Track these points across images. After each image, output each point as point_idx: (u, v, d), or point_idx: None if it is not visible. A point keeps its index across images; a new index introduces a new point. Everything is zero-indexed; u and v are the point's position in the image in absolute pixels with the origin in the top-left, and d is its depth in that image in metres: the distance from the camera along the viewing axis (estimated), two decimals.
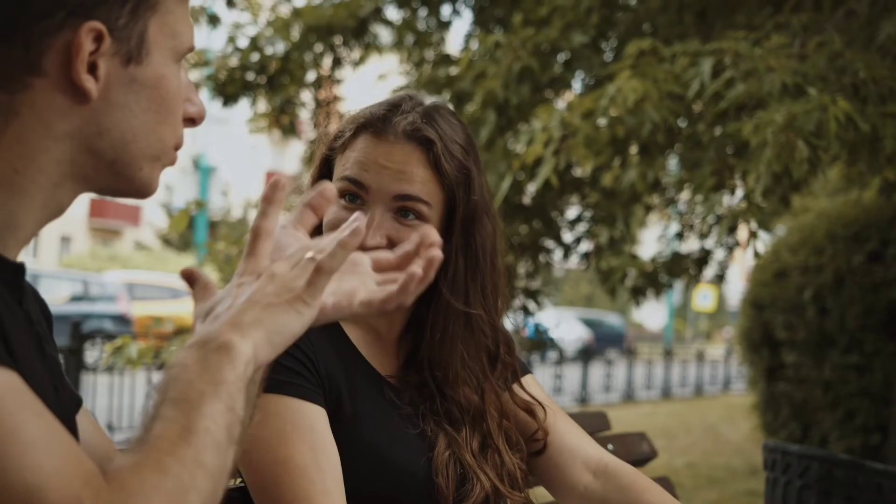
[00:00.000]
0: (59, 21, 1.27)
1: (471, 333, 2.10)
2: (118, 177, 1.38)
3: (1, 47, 1.28)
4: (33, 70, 1.28)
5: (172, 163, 1.44)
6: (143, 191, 1.42)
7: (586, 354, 20.02)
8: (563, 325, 26.41)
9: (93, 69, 1.30)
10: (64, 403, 1.42)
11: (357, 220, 1.33)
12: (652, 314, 51.40)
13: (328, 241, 1.36)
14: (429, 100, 2.15)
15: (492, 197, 2.21)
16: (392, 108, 2.10)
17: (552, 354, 15.96)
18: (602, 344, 32.90)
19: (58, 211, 1.38)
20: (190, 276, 1.40)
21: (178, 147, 1.43)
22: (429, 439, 2.05)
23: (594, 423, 3.30)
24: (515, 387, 2.24)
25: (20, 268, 1.37)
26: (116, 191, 1.42)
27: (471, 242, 2.08)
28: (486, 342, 2.13)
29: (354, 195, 2.05)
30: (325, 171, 2.14)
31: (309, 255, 1.33)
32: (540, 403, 2.24)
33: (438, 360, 2.08)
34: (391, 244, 2.00)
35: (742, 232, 5.77)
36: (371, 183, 2.03)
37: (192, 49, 1.42)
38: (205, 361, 1.23)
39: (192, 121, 1.46)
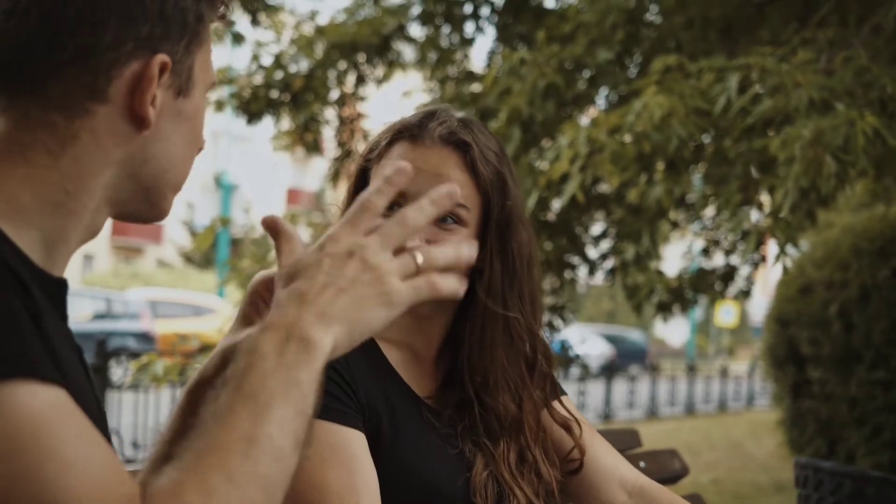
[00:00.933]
0: (128, 51, 1.32)
1: (510, 339, 2.09)
2: (145, 203, 1.42)
3: (70, 73, 1.31)
4: (98, 97, 1.32)
5: (181, 190, 1.48)
6: (160, 217, 1.46)
7: (609, 371, 19.95)
8: (587, 342, 26.38)
9: (152, 100, 1.34)
10: (105, 419, 1.43)
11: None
12: (674, 330, 51.23)
13: (437, 250, 1.35)
14: (461, 113, 2.17)
15: (525, 207, 2.22)
16: (427, 115, 2.12)
17: (575, 371, 15.91)
18: (624, 360, 32.79)
19: (95, 232, 1.42)
20: (273, 226, 1.40)
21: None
22: (467, 459, 2.05)
23: (625, 441, 3.29)
24: (554, 403, 2.23)
25: (64, 284, 1.39)
26: (137, 216, 1.45)
27: (507, 247, 2.08)
28: (524, 348, 2.12)
29: (392, 203, 2.05)
30: (360, 183, 2.14)
31: (413, 245, 1.32)
32: (577, 420, 2.24)
33: (478, 366, 2.08)
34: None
35: (769, 247, 5.76)
36: (409, 189, 2.03)
37: (215, 84, 1.48)
38: (283, 355, 1.21)
39: (198, 150, 1.49)
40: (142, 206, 1.42)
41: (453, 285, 1.32)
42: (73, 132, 1.32)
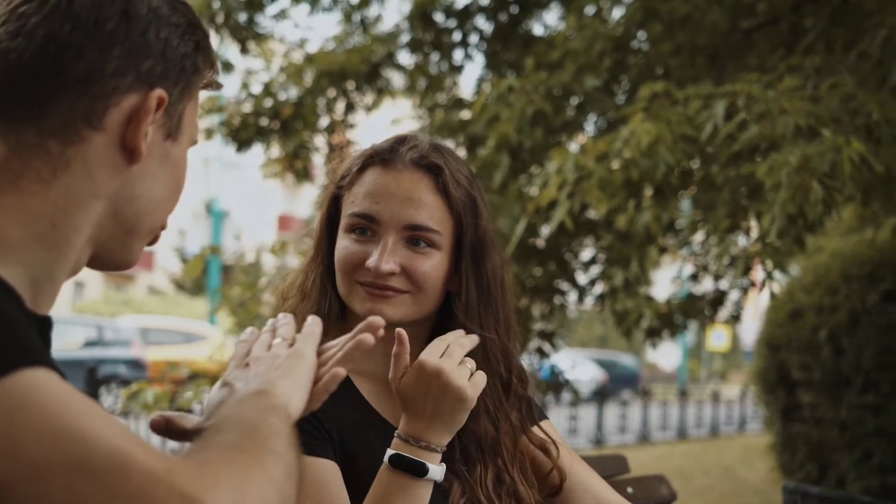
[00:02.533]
0: (128, 82, 1.35)
1: (486, 360, 2.09)
2: (123, 246, 1.44)
3: (70, 96, 1.33)
4: (94, 124, 1.34)
5: (154, 242, 1.51)
6: (129, 264, 1.50)
7: (601, 396, 19.94)
8: (578, 367, 26.36)
9: (144, 135, 1.37)
10: None
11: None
12: (666, 354, 51.18)
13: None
14: (431, 138, 2.20)
15: (496, 231, 2.23)
16: (398, 141, 2.14)
17: (567, 396, 15.90)
18: (616, 385, 32.81)
19: (76, 271, 1.43)
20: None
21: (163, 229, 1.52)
22: (442, 488, 2.04)
23: (613, 466, 3.30)
24: (533, 426, 2.24)
25: (48, 322, 1.39)
26: (110, 260, 1.46)
27: (481, 269, 2.10)
28: (500, 369, 2.13)
29: (365, 228, 2.07)
30: (333, 210, 2.16)
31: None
32: (555, 443, 2.24)
33: None
34: (404, 272, 2.04)
35: (757, 273, 5.77)
36: (382, 213, 2.06)
37: (196, 143, 1.52)
38: (264, 415, 1.37)
39: (174, 205, 1.52)
40: (118, 248, 1.43)
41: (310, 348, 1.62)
42: (66, 160, 1.33)
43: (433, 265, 2.07)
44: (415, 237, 2.06)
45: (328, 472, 1.93)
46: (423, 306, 2.08)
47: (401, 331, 1.81)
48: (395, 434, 1.85)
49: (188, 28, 1.42)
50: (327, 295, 2.13)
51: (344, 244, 2.08)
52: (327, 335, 2.10)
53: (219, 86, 1.52)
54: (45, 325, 1.38)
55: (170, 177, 1.44)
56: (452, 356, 1.88)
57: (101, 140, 1.35)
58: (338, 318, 2.12)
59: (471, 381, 1.87)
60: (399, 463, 1.82)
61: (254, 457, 1.23)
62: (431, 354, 1.89)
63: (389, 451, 1.83)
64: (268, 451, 1.25)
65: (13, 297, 1.21)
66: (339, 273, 2.10)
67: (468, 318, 2.09)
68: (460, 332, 1.96)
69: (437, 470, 1.85)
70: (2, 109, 1.34)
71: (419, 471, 1.83)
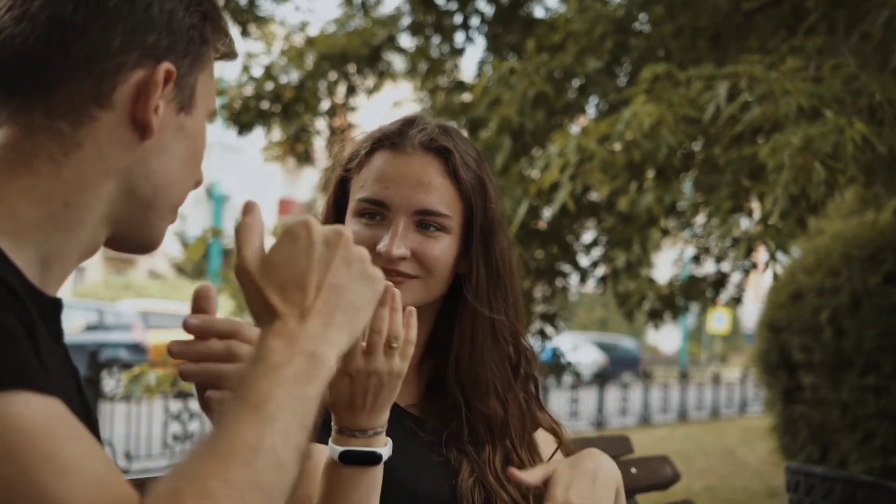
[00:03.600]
0: (134, 58, 1.34)
1: (495, 341, 2.10)
2: (144, 224, 1.42)
3: (76, 78, 1.32)
4: (102, 103, 1.33)
5: (174, 220, 1.48)
6: (155, 244, 1.47)
7: (602, 378, 19.95)
8: (579, 350, 26.38)
9: (154, 109, 1.35)
10: (99, 438, 1.43)
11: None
12: (666, 337, 51.18)
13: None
14: (438, 120, 2.19)
15: (503, 213, 2.23)
16: (406, 123, 2.13)
17: (568, 379, 15.93)
18: (617, 367, 32.77)
19: (91, 252, 1.41)
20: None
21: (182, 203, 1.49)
22: (452, 467, 2.05)
23: (616, 447, 3.30)
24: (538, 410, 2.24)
25: (58, 303, 1.39)
26: (132, 239, 1.45)
27: (490, 251, 2.10)
28: (509, 350, 2.14)
29: (374, 213, 2.07)
30: (340, 193, 2.15)
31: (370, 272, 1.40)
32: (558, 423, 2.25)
33: (467, 369, 2.08)
34: (415, 256, 2.04)
35: (759, 254, 5.77)
36: (392, 198, 2.05)
37: (215, 113, 1.51)
38: (293, 368, 1.22)
39: (197, 182, 1.49)
40: (139, 227, 1.42)
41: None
42: (77, 140, 1.33)
43: (443, 249, 2.07)
44: (425, 221, 2.05)
45: (319, 454, 1.90)
46: (433, 290, 2.08)
47: (411, 309, 1.79)
48: (338, 430, 1.79)
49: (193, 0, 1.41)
50: None
51: (353, 229, 2.06)
52: None
53: (234, 55, 1.51)
54: (54, 306, 1.38)
55: (185, 150, 1.43)
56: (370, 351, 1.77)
57: (111, 118, 1.34)
58: None
59: (399, 361, 1.77)
60: (353, 458, 1.77)
61: (228, 468, 1.12)
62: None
63: (338, 449, 1.77)
64: (253, 452, 1.14)
65: (12, 306, 1.18)
66: None
67: (478, 299, 2.09)
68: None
69: (386, 451, 1.81)
70: (11, 92, 1.34)
71: (375, 460, 1.79)
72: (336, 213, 2.15)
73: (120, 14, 1.33)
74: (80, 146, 1.33)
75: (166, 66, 1.35)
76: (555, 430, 2.24)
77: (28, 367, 1.13)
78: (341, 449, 1.77)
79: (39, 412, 1.10)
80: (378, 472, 1.80)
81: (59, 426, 1.12)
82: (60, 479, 1.08)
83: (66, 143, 1.33)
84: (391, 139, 2.10)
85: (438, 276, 2.06)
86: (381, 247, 2.02)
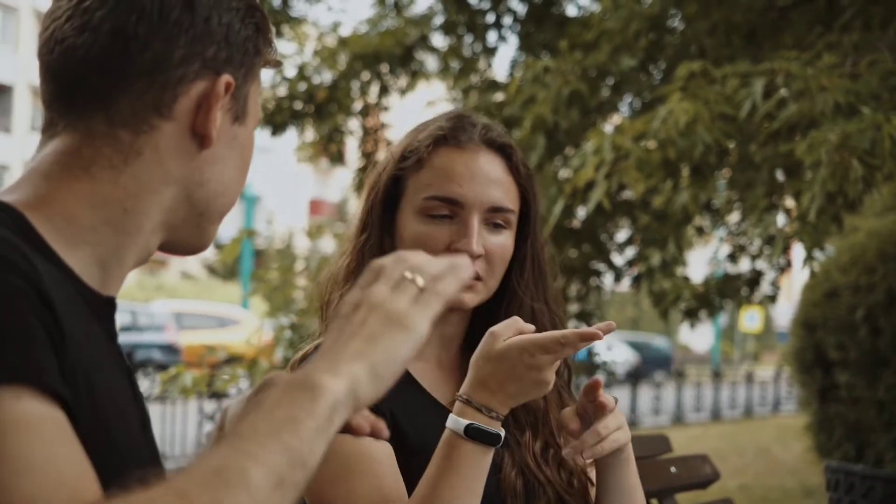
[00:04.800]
0: (195, 70, 1.36)
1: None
2: (196, 229, 1.45)
3: (138, 88, 1.34)
4: (164, 113, 1.35)
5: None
6: (205, 246, 1.50)
7: (634, 377, 19.91)
8: (612, 349, 26.33)
9: (214, 120, 1.38)
10: (150, 438, 1.44)
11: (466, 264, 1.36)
12: (698, 336, 50.99)
13: (429, 263, 1.34)
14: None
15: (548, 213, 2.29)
16: (459, 118, 2.14)
17: (601, 377, 15.91)
18: (649, 366, 32.68)
19: (149, 254, 1.44)
20: None
21: None
22: (495, 462, 2.05)
23: (655, 446, 3.30)
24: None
25: (112, 302, 1.41)
26: (184, 244, 1.47)
27: (536, 244, 2.14)
28: None
29: (443, 212, 2.06)
30: (392, 190, 2.13)
31: (409, 276, 1.31)
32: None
33: None
34: (486, 255, 2.05)
35: (794, 252, 5.75)
36: (467, 195, 2.05)
37: (260, 121, 1.50)
38: (279, 400, 1.18)
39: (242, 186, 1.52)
40: (192, 232, 1.45)
41: (454, 287, 1.33)
42: (137, 148, 1.35)
43: (507, 246, 2.10)
44: (494, 218, 2.07)
45: (383, 452, 1.93)
46: (491, 289, 2.10)
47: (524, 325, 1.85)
48: (465, 402, 1.82)
49: (248, 11, 1.43)
50: None
51: (419, 228, 2.06)
52: None
53: (278, 64, 1.53)
54: (109, 305, 1.39)
55: (238, 158, 1.46)
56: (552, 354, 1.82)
57: (172, 128, 1.36)
58: None
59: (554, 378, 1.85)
60: (476, 433, 1.80)
61: (187, 488, 1.08)
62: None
63: (463, 421, 1.80)
64: (216, 473, 1.09)
65: (38, 310, 1.16)
66: None
67: (525, 292, 2.10)
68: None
69: (502, 434, 1.84)
70: (71, 101, 1.36)
71: (496, 440, 1.82)
72: (385, 210, 2.13)
73: (181, 26, 1.35)
74: (140, 154, 1.35)
75: (226, 78, 1.38)
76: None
77: (35, 366, 1.13)
78: (466, 422, 1.81)
79: (26, 410, 1.10)
80: (489, 459, 1.84)
81: (40, 427, 1.11)
82: (15, 476, 1.08)
83: (126, 151, 1.35)
84: (454, 136, 2.10)
85: (497, 275, 2.08)
86: (462, 246, 2.02)
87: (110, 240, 1.35)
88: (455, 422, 1.82)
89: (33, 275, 1.18)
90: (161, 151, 1.36)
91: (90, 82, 1.34)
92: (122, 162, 1.34)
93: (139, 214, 1.36)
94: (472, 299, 2.04)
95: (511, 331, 1.84)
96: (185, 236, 1.45)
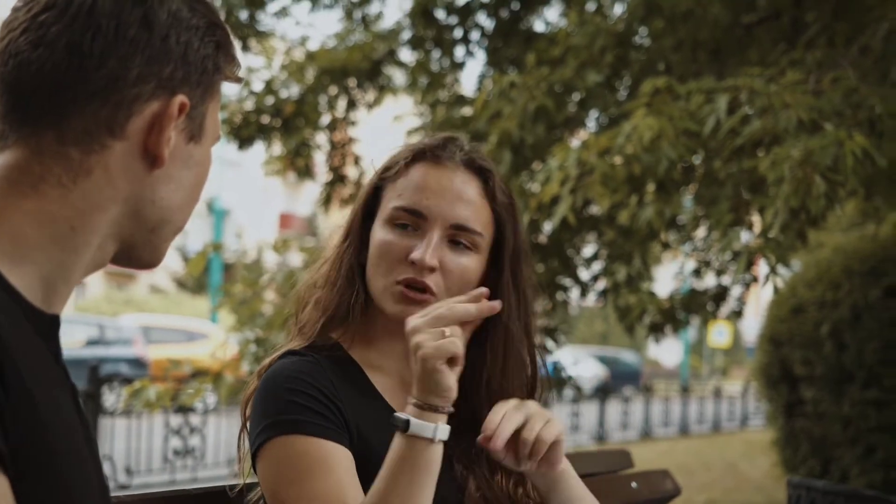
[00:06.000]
0: (150, 89, 1.35)
1: (522, 361, 2.14)
2: (147, 245, 1.44)
3: (92, 107, 1.33)
4: (115, 132, 1.34)
5: (175, 239, 1.50)
6: (157, 262, 1.49)
7: (603, 392, 19.95)
8: (580, 364, 26.38)
9: (167, 140, 1.37)
10: (96, 454, 1.43)
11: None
12: (668, 351, 51.10)
13: None
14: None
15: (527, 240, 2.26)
16: (446, 140, 2.15)
17: (569, 392, 15.91)
18: (618, 381, 32.75)
19: (96, 267, 1.42)
20: None
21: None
22: (457, 482, 2.05)
23: (617, 462, 3.30)
24: None
25: (56, 320, 1.39)
26: (135, 258, 1.46)
27: (518, 276, 2.12)
28: (526, 372, 2.16)
29: (407, 223, 2.08)
30: (372, 200, 2.15)
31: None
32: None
33: (499, 389, 2.09)
34: (442, 269, 2.05)
35: (760, 267, 5.76)
36: (431, 209, 2.06)
37: (220, 139, 1.51)
38: None
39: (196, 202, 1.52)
40: (143, 247, 1.44)
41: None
42: (87, 167, 1.34)
43: (469, 267, 2.08)
44: (458, 237, 2.07)
45: (345, 457, 1.95)
46: None
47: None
48: (411, 403, 1.86)
49: (208, 29, 1.42)
50: (354, 287, 2.12)
51: (385, 237, 2.08)
52: (349, 329, 2.11)
53: (240, 80, 1.52)
54: (53, 323, 1.38)
55: (193, 177, 1.45)
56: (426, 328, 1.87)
57: (123, 147, 1.35)
58: (362, 312, 2.13)
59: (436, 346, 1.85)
60: (411, 425, 1.83)
61: None
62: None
63: (402, 416, 1.84)
64: None
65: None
66: (376, 266, 2.09)
67: (510, 321, 2.10)
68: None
69: (443, 429, 1.86)
70: (23, 115, 1.34)
71: (431, 431, 1.84)
72: (365, 219, 2.16)
73: (138, 45, 1.34)
74: (90, 173, 1.34)
75: (181, 98, 1.37)
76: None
77: None
78: (405, 417, 1.84)
79: None
80: (436, 455, 1.86)
81: None
82: None
83: (76, 170, 1.34)
84: (433, 152, 2.11)
85: (454, 294, 2.06)
86: (416, 255, 2.03)
87: (56, 257, 1.33)
88: (395, 418, 1.85)
89: None
90: (111, 171, 1.35)
91: (43, 98, 1.33)
92: (70, 181, 1.33)
93: (87, 232, 1.35)
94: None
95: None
96: (137, 251, 1.44)
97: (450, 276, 2.05)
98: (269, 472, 1.95)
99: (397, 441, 1.84)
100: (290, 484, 1.90)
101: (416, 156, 2.12)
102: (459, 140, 2.16)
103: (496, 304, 1.89)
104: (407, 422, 1.83)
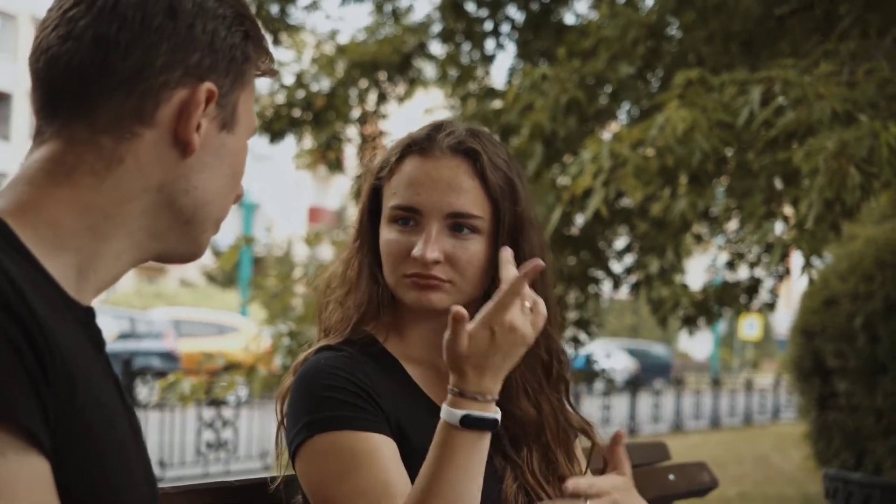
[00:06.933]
0: (177, 77, 1.36)
1: None
2: (185, 237, 1.45)
3: (120, 96, 1.35)
4: (145, 120, 1.36)
5: (217, 232, 1.51)
6: (198, 254, 1.50)
7: (634, 385, 19.92)
8: (611, 356, 26.36)
9: (196, 127, 1.38)
10: (141, 442, 1.44)
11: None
12: (698, 344, 50.98)
13: None
14: (468, 124, 2.21)
15: (537, 212, 2.23)
16: (435, 128, 2.16)
17: (599, 385, 15.90)
18: (648, 374, 32.72)
19: (131, 263, 1.43)
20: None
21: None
22: (497, 473, 2.06)
23: (653, 454, 3.30)
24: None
25: (91, 312, 1.41)
26: (176, 251, 1.47)
27: (519, 252, 2.07)
28: (541, 353, 2.13)
29: (407, 219, 2.09)
30: (373, 202, 2.17)
31: None
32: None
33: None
34: (448, 260, 2.05)
35: (793, 259, 5.74)
36: (424, 203, 2.07)
37: (255, 130, 1.52)
38: None
39: (237, 197, 1.52)
40: (181, 240, 1.45)
41: None
42: (119, 155, 1.35)
43: (475, 251, 2.08)
44: (457, 224, 2.07)
45: (389, 447, 1.95)
46: (466, 293, 2.09)
47: (459, 309, 1.81)
48: (457, 394, 1.83)
49: (235, 18, 1.43)
50: (379, 284, 2.14)
51: (388, 236, 2.10)
52: (381, 324, 2.12)
53: (274, 73, 1.54)
54: (89, 313, 1.39)
55: (227, 167, 1.45)
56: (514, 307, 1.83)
57: (154, 135, 1.37)
58: (389, 305, 2.14)
59: (532, 323, 1.85)
60: (473, 422, 1.81)
61: None
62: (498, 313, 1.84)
63: (458, 412, 1.81)
64: None
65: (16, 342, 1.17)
66: (386, 264, 2.11)
67: None
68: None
69: (498, 416, 1.86)
70: (56, 109, 1.37)
71: (492, 425, 1.84)
72: (370, 221, 2.17)
73: (163, 34, 1.36)
74: (122, 161, 1.36)
75: (208, 85, 1.38)
76: (586, 431, 2.25)
77: (9, 406, 1.14)
78: (462, 412, 1.81)
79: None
80: (487, 442, 1.85)
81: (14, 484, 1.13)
82: None
83: (108, 158, 1.35)
84: (420, 144, 2.12)
85: (470, 279, 2.07)
86: (416, 251, 2.04)
87: (90, 246, 1.35)
88: (449, 413, 1.83)
89: (18, 308, 1.18)
90: (143, 158, 1.36)
91: (73, 90, 1.35)
92: (103, 169, 1.35)
93: (120, 219, 1.37)
94: (440, 300, 2.05)
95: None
96: (175, 245, 1.45)
97: (457, 263, 2.06)
98: (311, 470, 1.96)
99: (447, 431, 1.83)
100: (335, 480, 1.91)
101: (404, 151, 2.13)
102: (448, 125, 2.16)
103: (537, 262, 1.82)
104: (467, 416, 1.81)
